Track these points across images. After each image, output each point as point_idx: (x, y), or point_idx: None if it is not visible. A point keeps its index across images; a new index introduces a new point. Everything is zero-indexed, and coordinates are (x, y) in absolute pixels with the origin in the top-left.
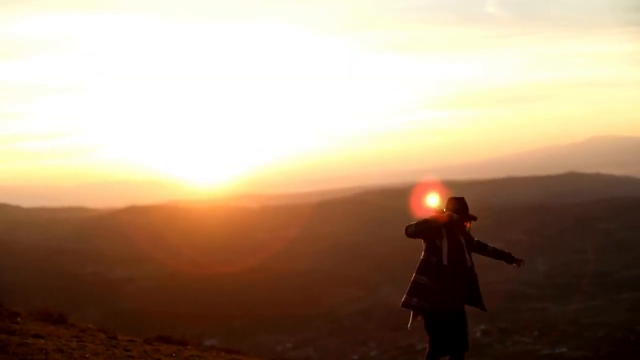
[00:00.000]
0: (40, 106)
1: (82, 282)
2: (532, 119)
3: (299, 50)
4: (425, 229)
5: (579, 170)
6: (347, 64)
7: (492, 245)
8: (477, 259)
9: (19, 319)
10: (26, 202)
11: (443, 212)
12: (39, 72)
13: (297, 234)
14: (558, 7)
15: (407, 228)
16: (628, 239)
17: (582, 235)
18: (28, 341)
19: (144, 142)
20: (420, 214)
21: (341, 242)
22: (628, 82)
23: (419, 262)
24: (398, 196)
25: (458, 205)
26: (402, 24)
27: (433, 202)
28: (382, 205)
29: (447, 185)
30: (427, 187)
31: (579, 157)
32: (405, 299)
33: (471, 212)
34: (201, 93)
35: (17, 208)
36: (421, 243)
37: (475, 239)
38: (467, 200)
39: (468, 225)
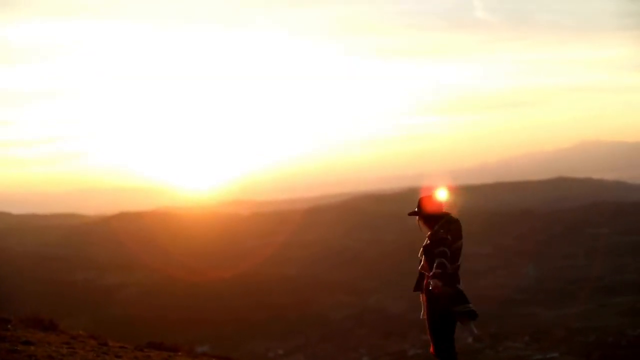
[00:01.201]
0: (29, 113)
1: (74, 289)
2: (521, 125)
3: (290, 55)
4: None
5: (569, 175)
6: (338, 70)
7: (439, 262)
8: (470, 264)
9: (9, 325)
10: (16, 209)
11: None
12: (27, 79)
13: (287, 240)
14: (547, 13)
15: None
16: (618, 243)
17: (572, 240)
18: (18, 348)
19: (134, 148)
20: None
21: (331, 248)
22: (618, 87)
23: None
24: (388, 202)
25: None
26: (391, 29)
27: (442, 195)
28: (373, 211)
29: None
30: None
31: (569, 162)
32: None
33: (463, 217)
34: (191, 99)
35: (7, 215)
36: (408, 248)
37: (443, 247)
38: (458, 205)
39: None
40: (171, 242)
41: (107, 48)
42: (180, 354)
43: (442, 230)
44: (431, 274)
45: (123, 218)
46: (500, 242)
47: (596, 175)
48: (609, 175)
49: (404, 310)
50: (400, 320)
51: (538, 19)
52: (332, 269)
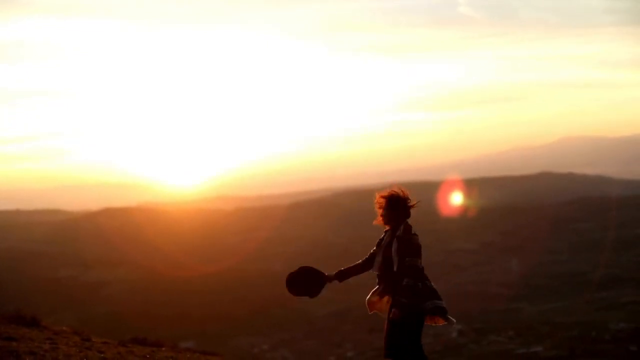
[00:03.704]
0: (13, 109)
1: (58, 285)
2: (504, 120)
3: (275, 53)
4: None
5: (552, 171)
6: (322, 66)
7: (409, 283)
8: (455, 259)
9: None
10: (1, 205)
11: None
12: (11, 75)
13: (270, 235)
14: (530, 9)
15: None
16: (601, 238)
17: (555, 235)
18: None
19: (118, 144)
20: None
21: (315, 243)
22: (599, 83)
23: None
24: (371, 198)
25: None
26: (376, 26)
27: (457, 199)
28: (355, 206)
29: (420, 186)
30: (450, 186)
31: (552, 157)
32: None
33: (445, 213)
34: (175, 96)
35: None
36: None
37: (418, 260)
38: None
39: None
40: (156, 238)
41: (92, 46)
42: (163, 349)
43: (416, 235)
44: (396, 298)
45: (108, 214)
46: (485, 237)
47: (579, 171)
48: (592, 170)
49: None
50: (385, 316)
51: (522, 15)
52: (316, 264)
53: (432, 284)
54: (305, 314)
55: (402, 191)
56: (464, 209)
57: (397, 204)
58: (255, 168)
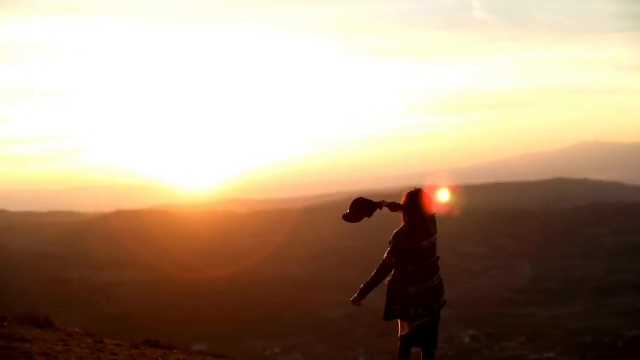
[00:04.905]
0: (25, 110)
1: (70, 287)
2: (519, 125)
3: (287, 55)
4: None
5: (567, 176)
6: (335, 69)
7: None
8: (467, 264)
9: (5, 323)
10: (13, 207)
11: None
12: (23, 76)
13: (285, 239)
14: (544, 13)
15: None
16: (615, 244)
17: (569, 240)
18: (13, 345)
19: (132, 146)
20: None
21: (329, 247)
22: (615, 88)
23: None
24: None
25: None
26: (389, 28)
27: (444, 197)
28: None
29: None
30: (463, 190)
31: (567, 162)
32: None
33: (461, 217)
34: (189, 98)
35: (3, 212)
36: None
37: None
38: (457, 205)
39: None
40: (169, 241)
41: (105, 46)
42: (176, 351)
43: (395, 234)
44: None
45: (121, 216)
46: (498, 242)
47: (594, 176)
48: (607, 176)
49: None
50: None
51: (536, 19)
52: (330, 268)
53: (411, 287)
54: (317, 318)
55: (414, 192)
56: (476, 214)
57: (406, 202)
58: (270, 171)
